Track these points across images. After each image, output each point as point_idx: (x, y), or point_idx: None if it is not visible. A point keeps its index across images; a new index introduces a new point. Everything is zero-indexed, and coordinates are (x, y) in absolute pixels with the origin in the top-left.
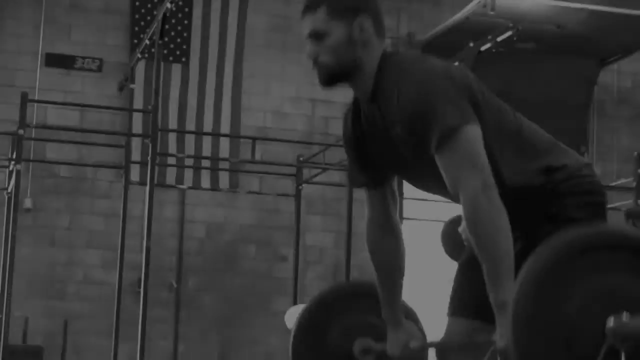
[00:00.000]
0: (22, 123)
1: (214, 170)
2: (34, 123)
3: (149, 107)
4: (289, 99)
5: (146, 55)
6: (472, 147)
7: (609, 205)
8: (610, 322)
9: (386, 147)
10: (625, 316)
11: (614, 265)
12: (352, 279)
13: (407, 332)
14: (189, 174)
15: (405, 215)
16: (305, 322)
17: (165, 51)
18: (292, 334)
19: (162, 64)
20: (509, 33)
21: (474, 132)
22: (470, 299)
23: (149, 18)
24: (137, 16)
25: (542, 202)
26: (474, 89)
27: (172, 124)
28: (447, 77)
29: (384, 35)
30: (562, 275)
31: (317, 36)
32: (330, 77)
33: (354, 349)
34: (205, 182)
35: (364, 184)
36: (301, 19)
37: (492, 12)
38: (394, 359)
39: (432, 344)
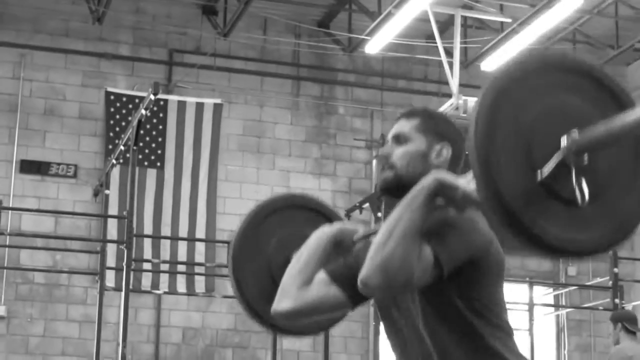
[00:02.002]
0: None
1: (190, 275)
2: (8, 230)
3: (124, 213)
4: None
5: (121, 160)
6: (416, 270)
7: (586, 305)
8: (564, 139)
9: None
10: (575, 133)
11: (565, 87)
12: (284, 195)
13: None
14: (164, 279)
15: None
16: (242, 240)
17: (140, 156)
18: (231, 252)
19: (137, 169)
20: None
21: (433, 273)
22: None
23: (123, 124)
24: (111, 122)
25: None
26: (486, 250)
27: (148, 228)
28: (475, 228)
29: (457, 167)
30: (518, 92)
31: (399, 139)
32: (393, 181)
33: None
34: (181, 286)
35: (334, 277)
36: (395, 121)
37: (464, 115)
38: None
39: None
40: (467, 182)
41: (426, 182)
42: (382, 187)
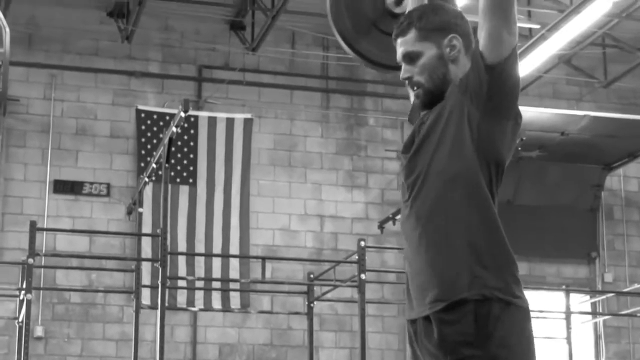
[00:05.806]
0: (32, 252)
1: (225, 291)
2: (44, 251)
3: (158, 231)
4: (296, 216)
5: (153, 178)
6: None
7: (624, 312)
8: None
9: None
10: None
11: None
12: None
13: None
14: (199, 296)
15: None
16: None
17: (172, 173)
18: (328, 9)
19: (169, 186)
20: None
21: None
22: None
23: (154, 142)
24: (143, 140)
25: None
26: None
27: (182, 245)
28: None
29: (471, 48)
30: None
31: (410, 57)
32: (428, 97)
33: (387, 2)
34: (217, 303)
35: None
36: (394, 43)
37: None
38: None
39: None
40: None
41: None
42: (421, 107)
